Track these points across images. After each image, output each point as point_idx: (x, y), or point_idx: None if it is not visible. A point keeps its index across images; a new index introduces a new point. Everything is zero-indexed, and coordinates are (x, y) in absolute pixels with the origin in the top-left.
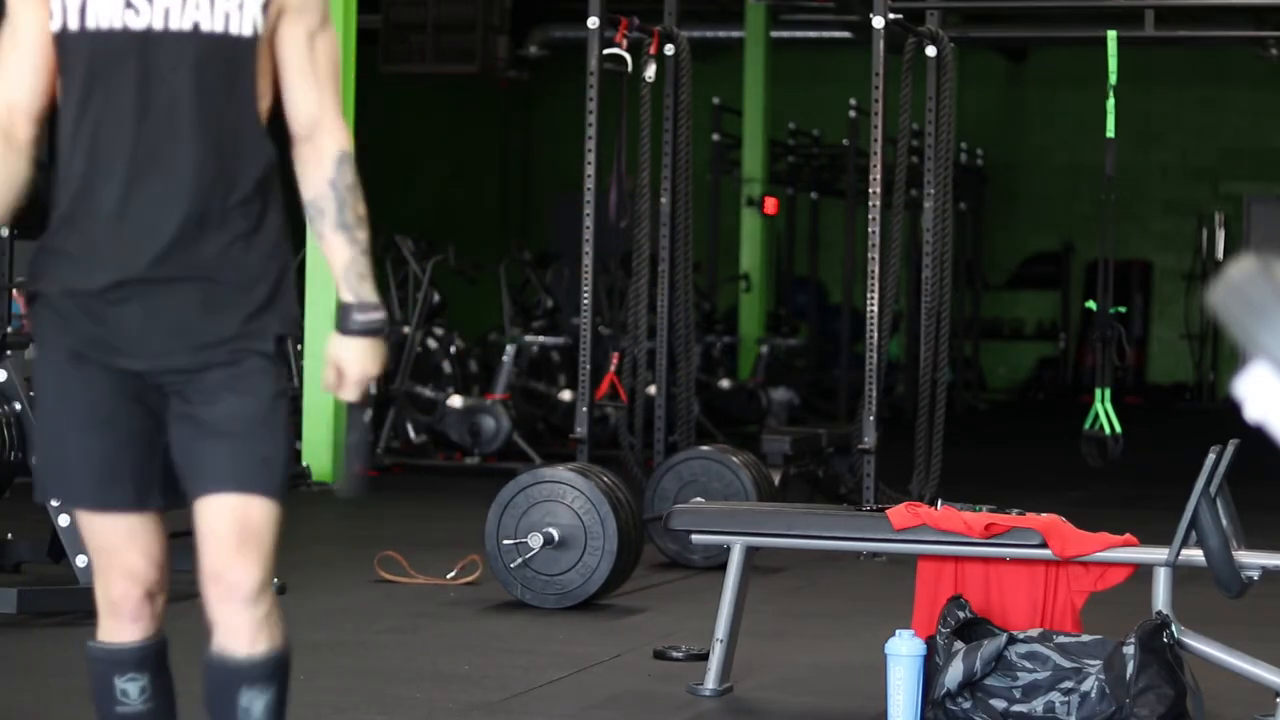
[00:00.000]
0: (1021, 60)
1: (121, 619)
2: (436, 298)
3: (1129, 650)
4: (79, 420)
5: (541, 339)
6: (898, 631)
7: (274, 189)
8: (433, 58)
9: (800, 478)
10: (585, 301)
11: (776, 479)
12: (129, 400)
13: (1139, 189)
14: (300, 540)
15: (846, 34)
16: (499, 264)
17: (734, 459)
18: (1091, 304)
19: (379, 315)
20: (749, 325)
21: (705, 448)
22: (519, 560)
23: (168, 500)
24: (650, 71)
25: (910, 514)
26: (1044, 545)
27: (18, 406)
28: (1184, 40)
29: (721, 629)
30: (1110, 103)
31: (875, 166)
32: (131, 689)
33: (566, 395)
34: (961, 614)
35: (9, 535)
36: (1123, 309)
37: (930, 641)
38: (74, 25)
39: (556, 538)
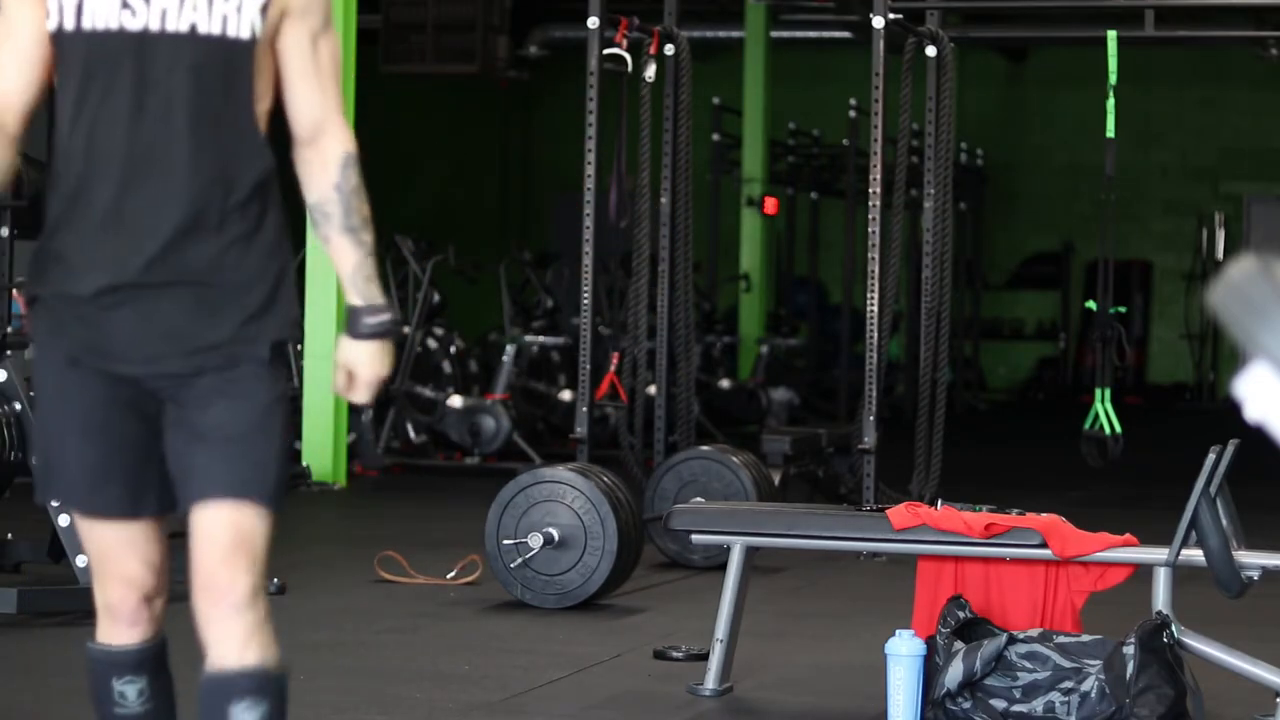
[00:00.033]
0: (1021, 60)
1: (119, 623)
2: (436, 298)
3: (1129, 650)
4: (73, 426)
5: (541, 339)
6: (898, 631)
7: (272, 192)
8: (433, 58)
9: (800, 478)
10: (585, 301)
11: (776, 479)
12: (123, 408)
13: (1139, 189)
14: (300, 540)
15: (846, 34)
16: (499, 264)
17: (734, 459)
18: (1091, 304)
19: (388, 317)
20: (749, 325)
21: (705, 448)
22: (519, 560)
23: (164, 507)
24: (650, 71)
25: (910, 514)
26: (1044, 545)
27: (18, 406)
28: (1184, 40)
29: (721, 629)
30: (1110, 103)
31: (875, 166)
32: (130, 691)
33: (566, 395)
34: (961, 614)
35: (9, 535)
36: (1123, 309)
37: (930, 641)
38: (70, 25)
39: (556, 538)
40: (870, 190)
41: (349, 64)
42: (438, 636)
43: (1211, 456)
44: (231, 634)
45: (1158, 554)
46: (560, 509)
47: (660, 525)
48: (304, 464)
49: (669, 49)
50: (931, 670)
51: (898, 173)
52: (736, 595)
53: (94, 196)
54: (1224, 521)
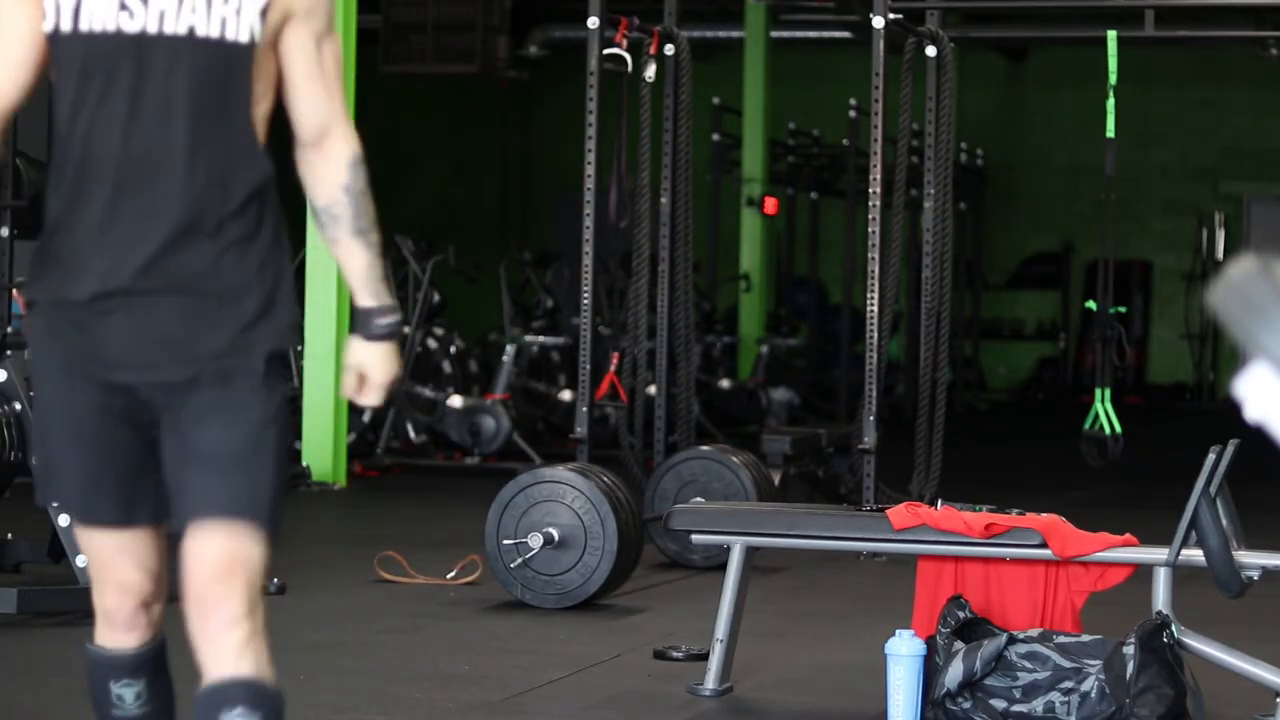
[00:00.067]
0: (1021, 60)
1: (116, 628)
2: (436, 298)
3: (1129, 650)
4: (67, 435)
5: (541, 339)
6: (898, 631)
7: (270, 197)
8: (433, 58)
9: (800, 478)
10: (585, 301)
11: (776, 479)
12: (116, 419)
13: (1139, 189)
14: (300, 540)
15: (846, 34)
16: (499, 264)
17: (734, 459)
18: (1091, 304)
19: (398, 317)
20: (749, 325)
21: (705, 448)
22: (519, 560)
23: (160, 515)
24: (650, 71)
25: (910, 514)
26: (1044, 545)
27: (18, 406)
28: (1184, 40)
29: (721, 629)
30: (1110, 103)
31: (875, 166)
32: (127, 694)
33: (566, 395)
34: (961, 614)
35: (9, 535)
36: (1123, 309)
37: (930, 641)
38: (67, 27)
39: (556, 538)
40: (870, 190)
41: (349, 64)
42: (438, 636)
43: (1211, 456)
44: (226, 646)
45: (1158, 554)
46: (560, 509)
47: (660, 525)
48: (304, 464)
49: (669, 49)
50: (931, 670)
51: (898, 173)
52: (736, 595)
53: (90, 199)
54: (1224, 521)
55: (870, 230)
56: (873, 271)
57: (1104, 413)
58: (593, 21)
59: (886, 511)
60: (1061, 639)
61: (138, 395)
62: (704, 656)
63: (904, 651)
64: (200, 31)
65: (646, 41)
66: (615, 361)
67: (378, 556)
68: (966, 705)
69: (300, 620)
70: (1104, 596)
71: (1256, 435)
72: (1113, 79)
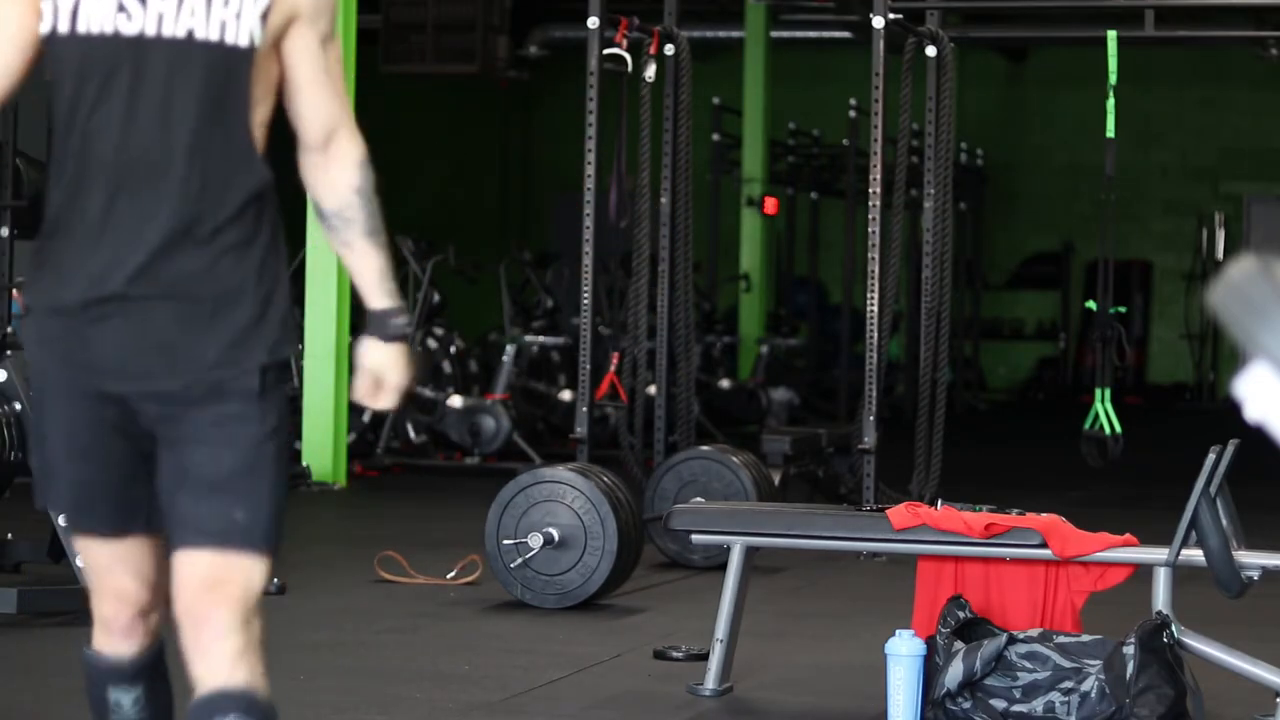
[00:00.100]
0: (1021, 60)
1: (114, 635)
2: (436, 298)
3: (1129, 650)
4: (60, 444)
5: (541, 339)
6: (898, 631)
7: (268, 202)
8: (433, 58)
9: (800, 478)
10: (585, 301)
11: (776, 479)
12: (110, 430)
13: (1139, 189)
14: (300, 540)
15: (846, 34)
16: (499, 264)
17: (734, 459)
18: (1091, 304)
19: (408, 318)
20: (749, 325)
21: (705, 448)
22: (519, 560)
23: (156, 525)
24: (650, 71)
25: (910, 514)
26: (1044, 545)
27: (18, 406)
28: (1184, 40)
29: (721, 629)
30: (1110, 103)
31: (875, 166)
32: (125, 700)
33: (566, 395)
34: (961, 614)
35: (9, 535)
36: (1123, 309)
37: (930, 641)
38: (64, 28)
39: (556, 538)
40: (870, 190)
41: (349, 64)
42: (438, 636)
43: (1211, 456)
44: (219, 656)
45: (1158, 554)
46: (560, 509)
47: (660, 525)
48: (304, 464)
49: (669, 49)
50: (931, 670)
51: (898, 173)
52: (736, 595)
53: (85, 203)
54: (1224, 521)
55: (870, 230)
56: (873, 271)
57: (1104, 413)
58: (593, 21)
59: (886, 511)
60: (1061, 639)
61: (130, 405)
62: (704, 656)
63: (904, 651)
64: (199, 34)
65: (646, 41)
66: (615, 361)
67: (378, 556)
68: (966, 705)
69: (300, 620)
70: (1104, 596)
71: (1256, 435)
72: (1113, 79)
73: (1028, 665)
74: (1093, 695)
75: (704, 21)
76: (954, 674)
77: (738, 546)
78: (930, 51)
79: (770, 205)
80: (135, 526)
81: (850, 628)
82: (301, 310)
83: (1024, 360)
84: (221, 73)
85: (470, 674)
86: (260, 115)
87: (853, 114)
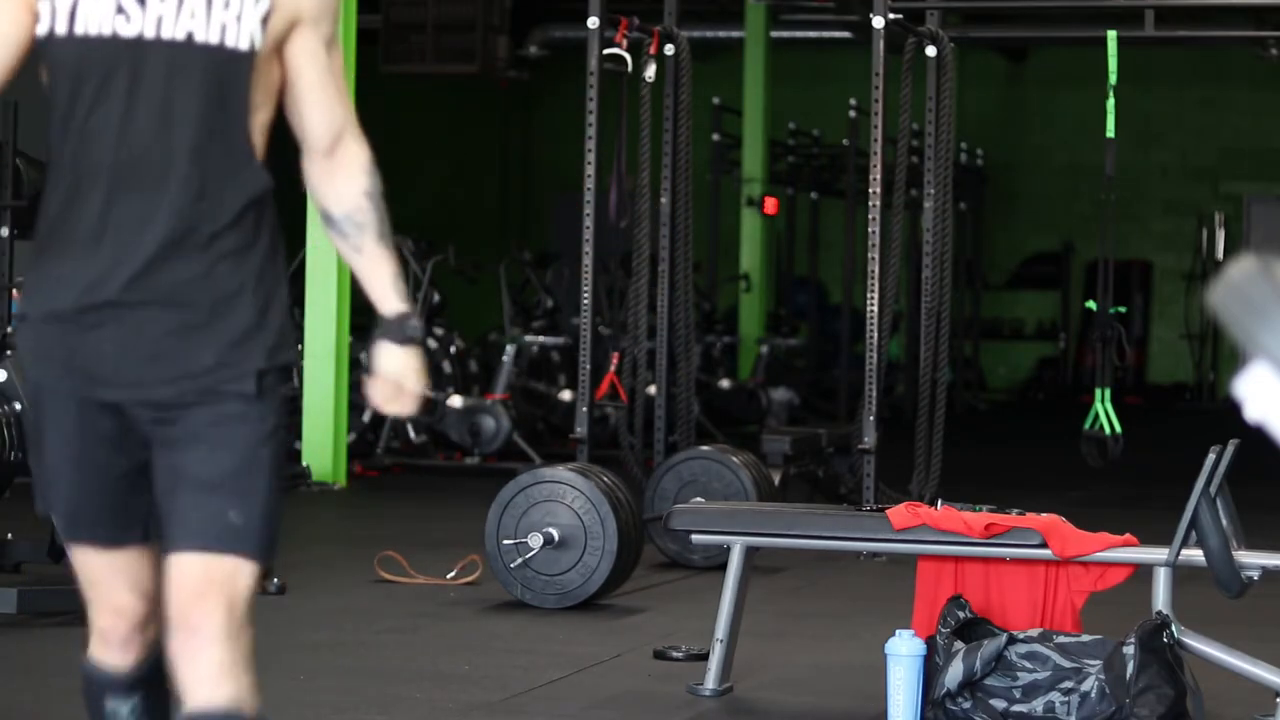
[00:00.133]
0: (1021, 60)
1: (111, 647)
2: (436, 298)
3: (1129, 650)
4: (55, 453)
5: (541, 339)
6: (898, 631)
7: (267, 208)
8: (433, 58)
9: (800, 478)
10: (585, 301)
11: (776, 479)
12: (105, 441)
13: (1139, 189)
14: (300, 540)
15: (846, 34)
16: (499, 264)
17: (734, 459)
18: (1091, 304)
19: (420, 321)
20: (749, 325)
21: (705, 448)
22: (519, 560)
23: (152, 536)
24: (650, 71)
25: (910, 514)
26: (1044, 545)
27: (18, 406)
28: (1184, 40)
29: (721, 629)
30: (1110, 103)
31: (875, 166)
32: (122, 710)
33: (566, 395)
34: (961, 614)
35: (9, 535)
36: (1123, 309)
37: (930, 641)
38: (62, 30)
39: (556, 538)
40: (870, 190)
41: (349, 64)
42: (438, 636)
43: (1211, 456)
44: (205, 665)
45: (1158, 554)
46: (560, 509)
47: (660, 525)
48: (304, 464)
49: (669, 49)
50: (931, 670)
51: (898, 173)
52: (736, 595)
53: (82, 207)
54: (1224, 521)
55: (870, 230)
56: (873, 271)
57: (1104, 413)
58: (593, 21)
59: (886, 511)
60: (1061, 639)
61: (125, 414)
62: (704, 656)
63: (904, 651)
64: (199, 37)
65: (646, 41)
66: (615, 361)
67: (378, 556)
68: (966, 705)
69: (300, 620)
70: (1104, 596)
71: (1256, 435)
72: (1113, 79)
73: (1028, 665)
74: (1093, 695)
75: (704, 21)
76: (954, 674)
77: (738, 546)
78: (930, 51)
79: (770, 205)
80: (132, 537)
81: (850, 628)
82: (301, 310)
83: (1024, 360)
84: (221, 76)
85: (470, 674)
86: (260, 120)
87: (853, 114)
